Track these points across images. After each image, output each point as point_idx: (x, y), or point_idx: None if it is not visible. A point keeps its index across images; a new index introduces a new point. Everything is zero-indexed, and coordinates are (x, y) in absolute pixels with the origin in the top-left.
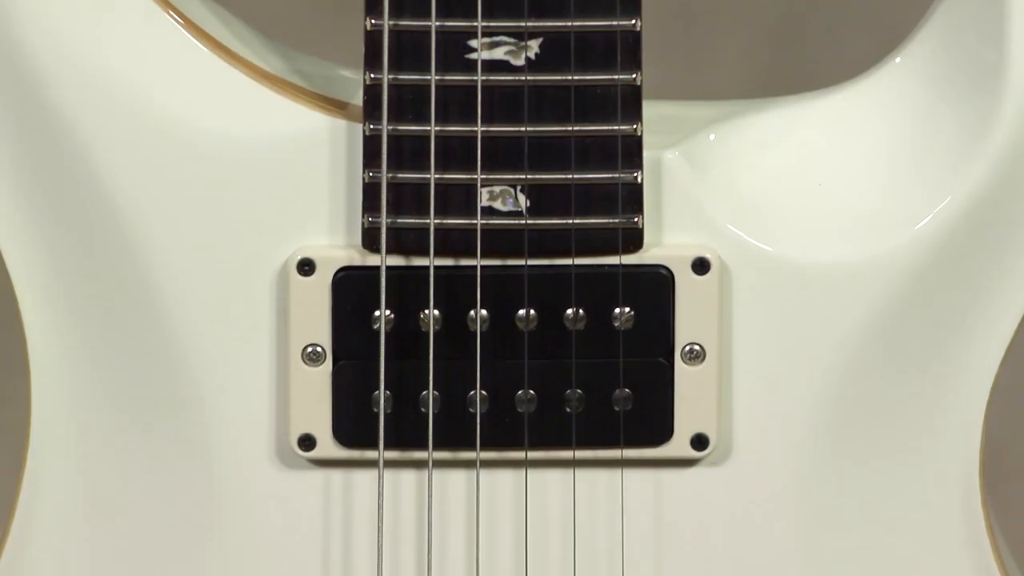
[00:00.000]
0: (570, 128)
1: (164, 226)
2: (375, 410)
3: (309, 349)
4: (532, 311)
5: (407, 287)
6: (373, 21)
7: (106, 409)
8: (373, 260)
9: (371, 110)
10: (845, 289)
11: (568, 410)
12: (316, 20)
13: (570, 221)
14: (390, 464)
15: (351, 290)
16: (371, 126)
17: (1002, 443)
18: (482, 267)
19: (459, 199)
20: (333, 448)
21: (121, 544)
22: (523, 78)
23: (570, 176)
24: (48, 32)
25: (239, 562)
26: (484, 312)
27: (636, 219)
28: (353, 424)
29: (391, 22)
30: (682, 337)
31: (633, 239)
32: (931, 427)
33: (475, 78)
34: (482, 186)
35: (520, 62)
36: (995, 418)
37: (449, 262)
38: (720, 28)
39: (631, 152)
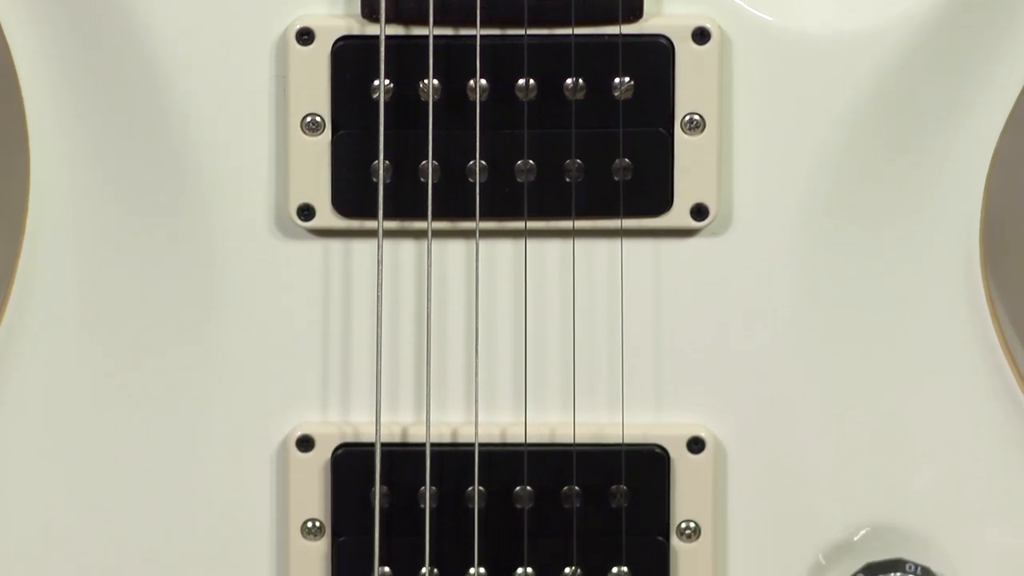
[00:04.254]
0: None
1: None
2: (374, 180)
3: (308, 119)
4: (532, 81)
5: (406, 56)
6: None
7: (104, 183)
8: (372, 29)
9: None
10: (846, 58)
11: (567, 180)
12: None
13: None
14: (389, 234)
15: (350, 59)
16: None
17: (1003, 215)
18: (481, 36)
19: None
20: (332, 218)
21: (119, 315)
22: None
23: None
24: None
25: (238, 332)
26: (484, 82)
27: None
28: (352, 194)
29: None
30: (682, 107)
31: (633, 8)
32: (931, 196)
33: None
34: None
35: None
36: (996, 191)
37: (448, 31)
38: None
39: None
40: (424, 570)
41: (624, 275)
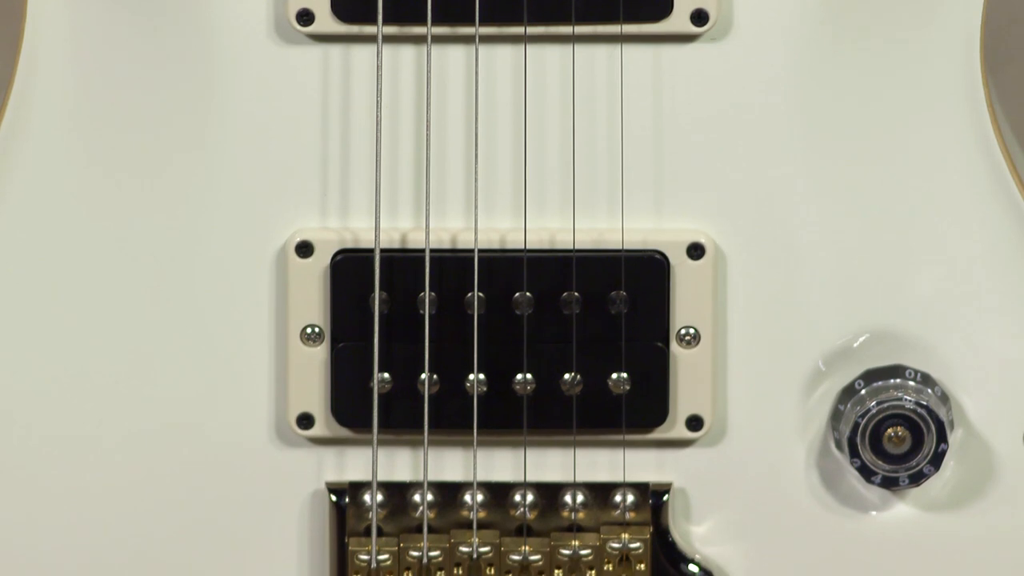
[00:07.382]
0: None
1: None
2: None
3: None
4: None
5: None
6: None
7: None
8: None
9: None
10: None
11: None
12: None
13: None
14: (388, 39)
15: None
16: None
17: (1006, 23)
18: None
19: None
20: (331, 23)
21: (118, 120)
22: None
23: None
24: None
25: (237, 138)
26: None
27: None
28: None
29: None
30: None
31: None
32: (931, 3)
33: None
34: None
35: None
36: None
37: None
38: None
39: None
40: (423, 376)
41: (624, 81)
